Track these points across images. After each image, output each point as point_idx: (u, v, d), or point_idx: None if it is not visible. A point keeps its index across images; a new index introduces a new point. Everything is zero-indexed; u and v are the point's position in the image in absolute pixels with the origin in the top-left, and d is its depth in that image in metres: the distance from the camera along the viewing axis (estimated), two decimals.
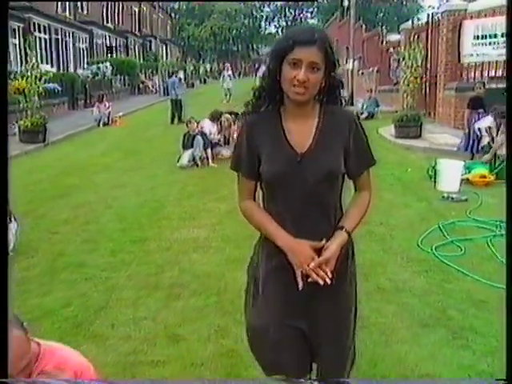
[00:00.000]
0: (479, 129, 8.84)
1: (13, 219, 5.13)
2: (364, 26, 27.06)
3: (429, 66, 14.52)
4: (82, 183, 8.28)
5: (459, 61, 13.56)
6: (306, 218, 2.03)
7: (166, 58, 43.85)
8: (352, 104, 21.16)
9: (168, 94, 24.32)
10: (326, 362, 2.18)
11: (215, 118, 10.27)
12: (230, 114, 10.82)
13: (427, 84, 14.66)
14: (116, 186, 7.93)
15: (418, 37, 15.01)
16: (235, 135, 10.09)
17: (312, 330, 2.11)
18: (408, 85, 12.32)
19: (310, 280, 1.97)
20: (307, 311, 2.10)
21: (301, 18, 65.52)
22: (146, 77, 31.78)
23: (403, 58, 12.54)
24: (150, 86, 30.51)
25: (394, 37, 22.70)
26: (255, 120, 2.09)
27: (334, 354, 2.17)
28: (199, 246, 5.34)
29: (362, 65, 24.22)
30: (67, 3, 26.72)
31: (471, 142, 8.93)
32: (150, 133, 14.27)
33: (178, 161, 9.21)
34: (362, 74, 23.16)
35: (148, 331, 3.65)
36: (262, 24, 66.51)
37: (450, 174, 7.80)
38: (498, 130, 8.89)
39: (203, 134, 9.41)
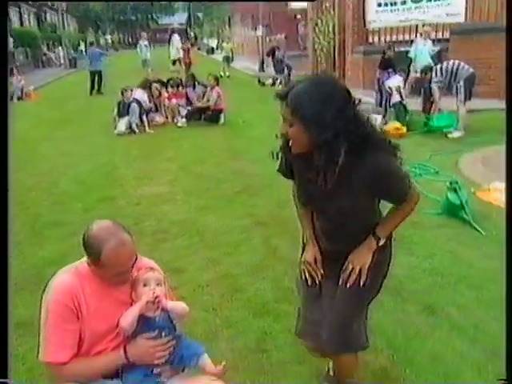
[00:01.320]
0: (390, 87, 9.88)
1: None
2: None
3: (337, 31, 15.51)
4: (27, 154, 8.36)
5: (364, 26, 14.67)
6: (331, 239, 2.30)
7: (63, 29, 42.04)
8: (263, 70, 21.93)
9: (75, 67, 23.77)
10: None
11: (145, 86, 10.57)
12: (157, 82, 11.17)
13: (336, 48, 15.68)
14: (62, 155, 8.13)
15: (325, 3, 15.94)
16: (166, 102, 10.50)
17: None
18: (322, 49, 13.22)
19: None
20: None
21: None
22: (48, 49, 30.52)
23: (316, 25, 13.37)
24: (54, 59, 29.40)
25: (296, 4, 23.65)
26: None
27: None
28: (165, 199, 5.87)
29: (269, 32, 24.96)
30: None
31: (384, 99, 9.97)
32: (72, 105, 14.19)
33: (115, 128, 9.47)
34: (270, 40, 23.90)
35: None
36: None
37: None
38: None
39: (137, 102, 9.72)
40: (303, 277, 2.41)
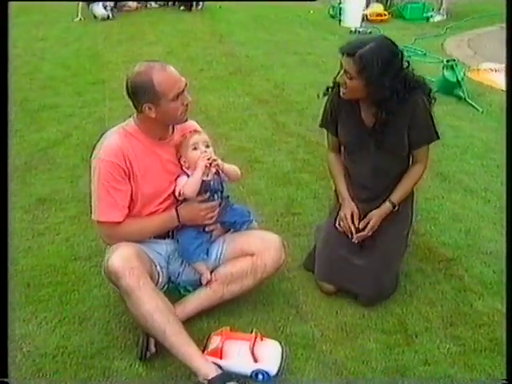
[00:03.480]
0: None
1: None
2: None
3: None
4: None
5: None
6: (371, 181, 2.49)
7: None
8: None
9: None
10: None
11: None
12: None
13: None
14: (34, 39, 7.66)
15: None
16: None
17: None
18: None
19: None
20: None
21: None
22: None
23: None
24: None
25: None
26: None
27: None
28: None
29: None
30: None
31: None
32: None
33: (91, 12, 8.88)
34: None
35: None
36: None
37: (354, 10, 8.61)
38: None
39: None
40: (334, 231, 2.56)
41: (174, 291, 2.43)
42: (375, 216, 2.48)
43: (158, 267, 2.30)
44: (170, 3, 9.86)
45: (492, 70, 5.99)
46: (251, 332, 2.12)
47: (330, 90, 2.49)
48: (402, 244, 2.57)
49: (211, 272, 2.37)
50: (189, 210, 2.31)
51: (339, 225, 2.55)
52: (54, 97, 5.34)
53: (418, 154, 2.48)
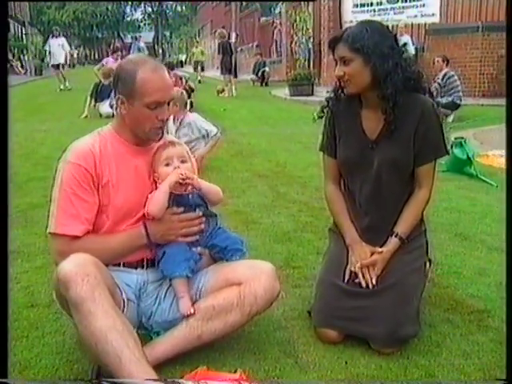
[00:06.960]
0: None
1: None
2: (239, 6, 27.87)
3: (313, 33, 15.55)
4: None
5: (341, 27, 14.71)
6: (373, 204, 2.12)
7: (27, 41, 41.14)
8: (235, 76, 21.82)
9: (41, 74, 23.27)
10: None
11: None
12: None
13: (312, 50, 15.69)
14: (37, 131, 7.67)
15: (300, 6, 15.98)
16: None
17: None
18: (299, 46, 13.16)
19: (356, 280, 2.06)
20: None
21: (166, 5, 64.94)
22: (13, 57, 29.69)
23: (294, 21, 13.34)
24: (18, 66, 28.58)
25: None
26: (339, 105, 2.16)
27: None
28: None
29: (239, 42, 24.93)
30: None
31: None
32: (43, 99, 13.61)
33: (97, 110, 9.05)
34: (242, 50, 23.87)
35: None
36: (128, 10, 64.86)
37: None
38: None
39: None
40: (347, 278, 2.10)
41: (144, 338, 1.96)
42: (383, 254, 2.09)
43: (124, 295, 1.86)
44: None
45: (502, 156, 5.79)
46: (235, 372, 1.63)
47: (324, 110, 2.22)
48: (418, 275, 2.12)
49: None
50: (159, 222, 1.92)
51: (350, 275, 2.10)
52: (45, 171, 5.08)
53: (422, 174, 2.11)
